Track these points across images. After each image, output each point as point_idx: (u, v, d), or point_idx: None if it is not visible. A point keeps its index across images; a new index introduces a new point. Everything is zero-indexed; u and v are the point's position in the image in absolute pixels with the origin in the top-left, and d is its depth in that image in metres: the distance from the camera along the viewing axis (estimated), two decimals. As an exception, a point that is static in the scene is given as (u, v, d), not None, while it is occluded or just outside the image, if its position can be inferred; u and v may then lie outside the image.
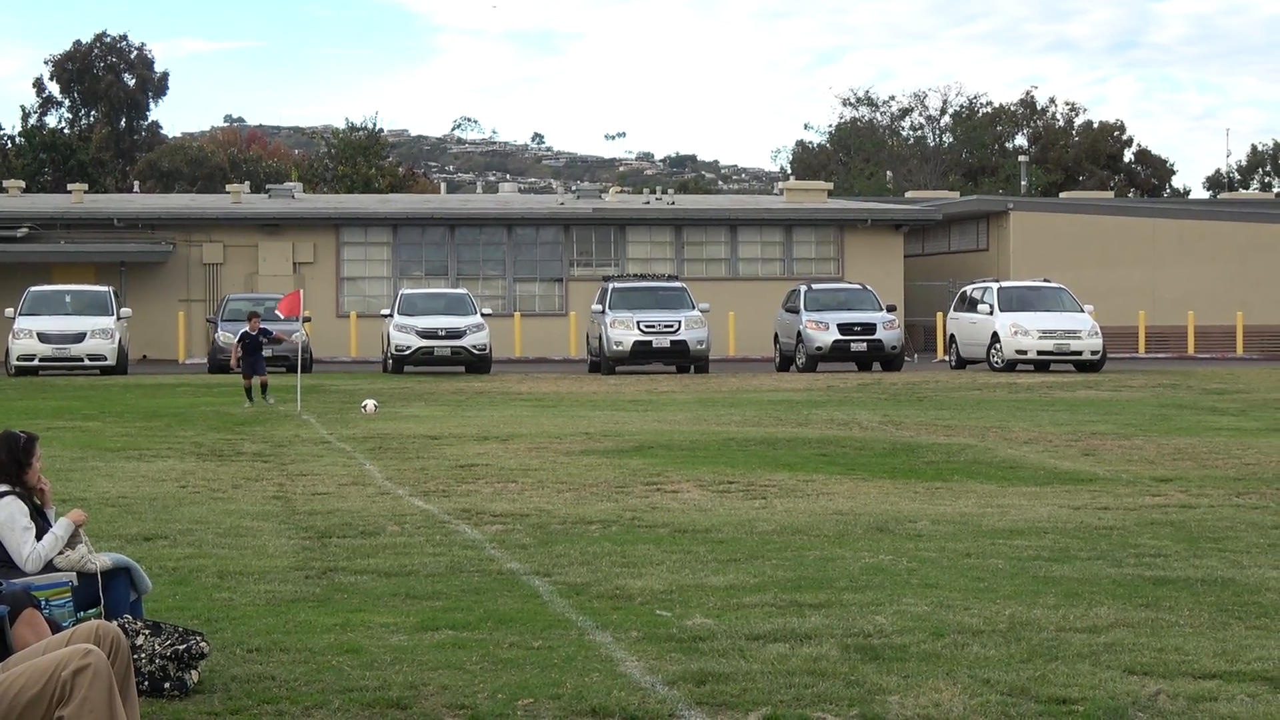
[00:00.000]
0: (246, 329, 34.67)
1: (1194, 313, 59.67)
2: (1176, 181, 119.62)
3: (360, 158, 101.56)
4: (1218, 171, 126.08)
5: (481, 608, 11.78)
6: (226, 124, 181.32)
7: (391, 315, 47.93)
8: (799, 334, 48.42)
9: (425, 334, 46.58)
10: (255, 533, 15.54)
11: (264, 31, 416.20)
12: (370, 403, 31.71)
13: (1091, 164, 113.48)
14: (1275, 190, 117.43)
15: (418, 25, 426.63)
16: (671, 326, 46.86)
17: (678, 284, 50.00)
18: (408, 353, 46.48)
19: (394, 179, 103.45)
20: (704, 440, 25.12)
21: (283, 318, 38.42)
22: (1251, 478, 20.23)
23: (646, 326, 46.77)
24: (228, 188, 71.77)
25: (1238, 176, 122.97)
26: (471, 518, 16.53)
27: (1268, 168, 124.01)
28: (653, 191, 79.83)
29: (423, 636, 10.83)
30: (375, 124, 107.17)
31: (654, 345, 46.75)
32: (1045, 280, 51.29)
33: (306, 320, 41.08)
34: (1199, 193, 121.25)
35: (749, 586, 12.62)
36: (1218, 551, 14.38)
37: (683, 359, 47.03)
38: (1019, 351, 46.69)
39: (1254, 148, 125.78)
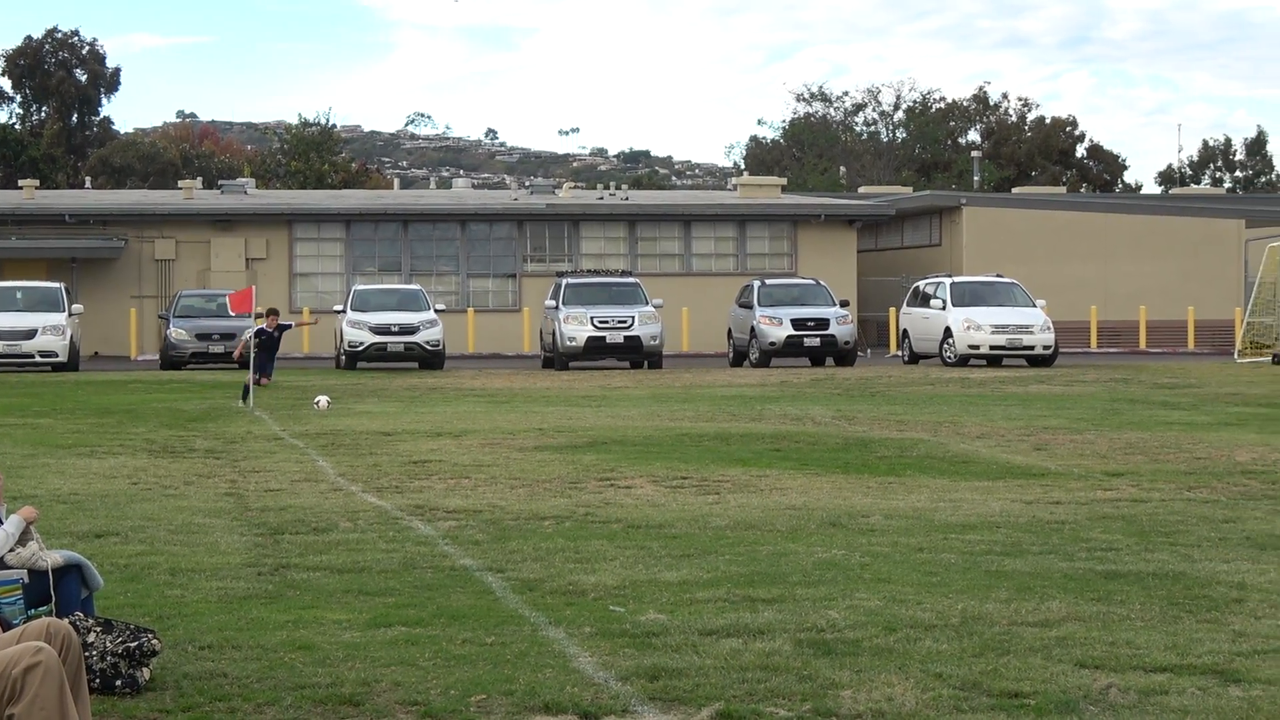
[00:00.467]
0: (263, 325, 34.43)
1: (1146, 307, 59.93)
2: (1129, 177, 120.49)
3: (313, 153, 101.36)
4: (1170, 167, 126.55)
5: (434, 604, 11.77)
6: (179, 119, 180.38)
7: (344, 311, 47.86)
8: (752, 329, 48.48)
9: (378, 330, 46.53)
10: (207, 529, 15.49)
11: (217, 26, 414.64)
12: (323, 399, 31.66)
13: (1044, 159, 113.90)
14: (1226, 185, 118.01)
15: (372, 20, 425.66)
16: (625, 322, 46.86)
17: (631, 279, 49.99)
18: (361, 349, 46.42)
19: (347, 175, 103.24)
20: (657, 436, 25.14)
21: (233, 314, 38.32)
22: (1202, 472, 20.32)
23: (600, 322, 46.77)
24: (180, 183, 71.57)
25: (1189, 172, 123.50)
26: (424, 514, 16.51)
27: (1219, 163, 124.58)
28: (606, 187, 79.71)
29: (375, 633, 10.82)
30: (328, 120, 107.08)
31: (608, 341, 46.75)
32: (998, 275, 51.51)
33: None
34: (1151, 188, 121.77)
35: (702, 582, 12.63)
36: (1169, 545, 14.45)
37: (636, 355, 47.03)
38: (971, 346, 46.87)
39: (1205, 143, 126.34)
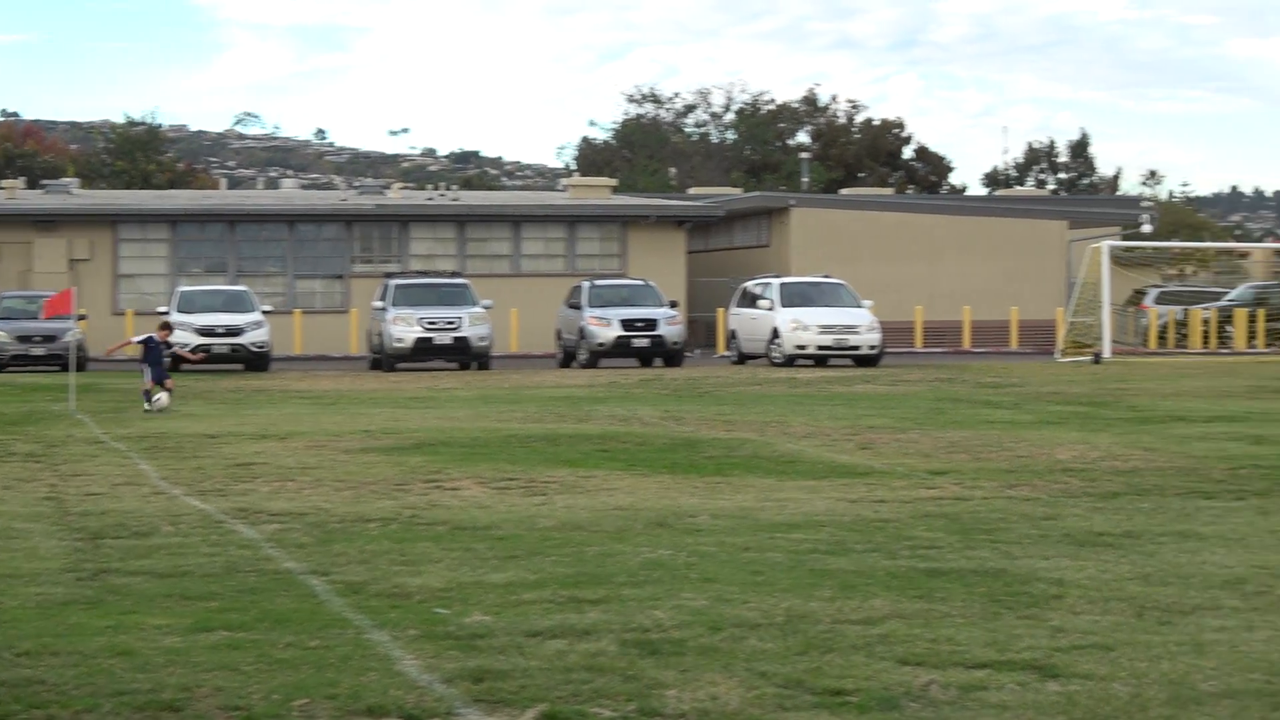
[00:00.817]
0: (153, 334, 33.91)
1: (970, 308, 60.63)
2: (955, 178, 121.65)
3: (139, 153, 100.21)
4: (995, 169, 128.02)
5: (257, 608, 11.66)
6: (1, 118, 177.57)
7: (169, 313, 47.33)
8: (581, 330, 48.55)
9: (203, 332, 46.13)
10: (25, 534, 15.26)
11: (41, 24, 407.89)
12: (163, 395, 31.26)
13: (872, 161, 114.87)
14: (1050, 187, 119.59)
15: (200, 19, 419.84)
16: (454, 323, 46.78)
17: (460, 280, 49.93)
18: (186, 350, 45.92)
19: (173, 175, 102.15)
20: (485, 437, 25.08)
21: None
22: (1023, 470, 20.59)
23: (429, 323, 46.65)
24: (1, 183, 70.39)
25: (1014, 173, 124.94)
26: (248, 517, 16.35)
27: (1043, 165, 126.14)
28: (436, 187, 79.49)
29: (197, 638, 10.69)
30: (155, 119, 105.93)
31: (435, 342, 46.65)
32: (825, 276, 51.90)
33: (81, 318, 40.43)
34: (977, 189, 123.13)
35: (528, 583, 12.61)
36: (990, 543, 14.62)
37: (465, 356, 46.99)
38: (799, 346, 47.20)
39: (1030, 145, 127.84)
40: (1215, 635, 10.78)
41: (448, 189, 77.73)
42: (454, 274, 51.96)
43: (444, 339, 46.68)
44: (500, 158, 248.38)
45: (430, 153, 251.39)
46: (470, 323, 46.90)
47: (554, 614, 11.39)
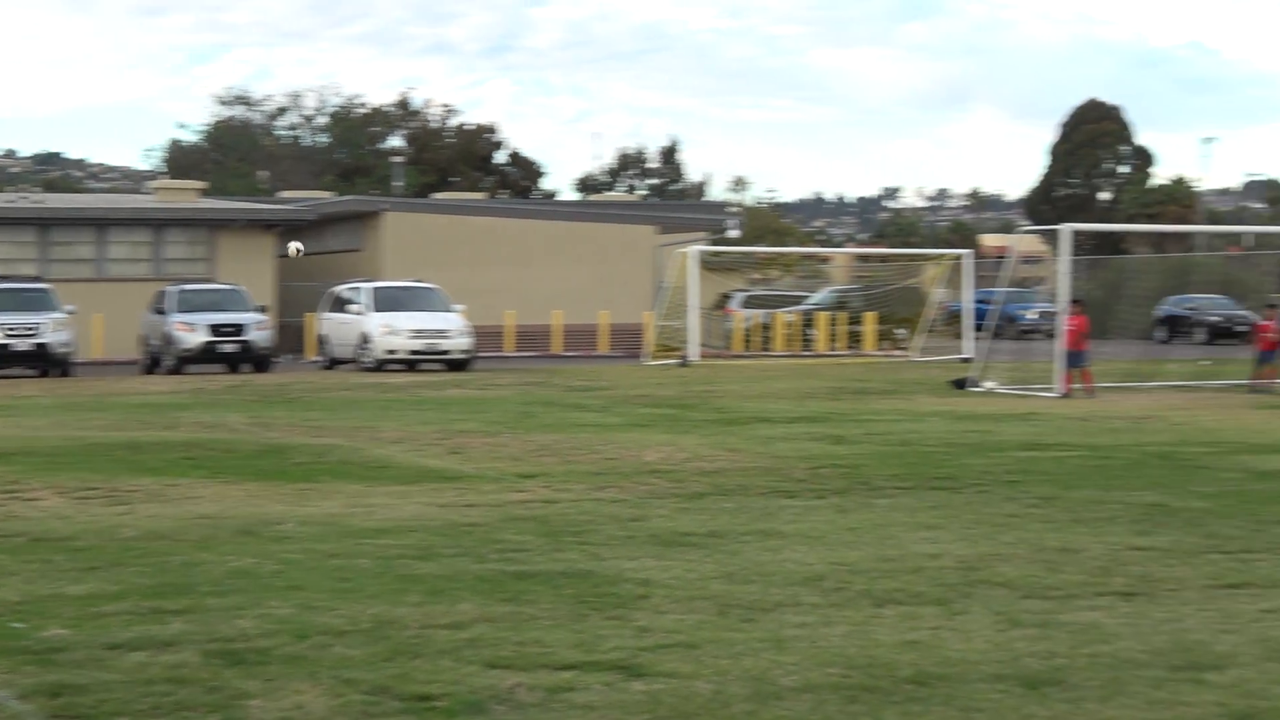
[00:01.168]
0: None
1: (561, 312, 61.13)
2: (547, 183, 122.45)
3: None
4: (587, 174, 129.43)
5: None
6: None
7: None
8: (167, 335, 47.77)
9: None
10: None
11: None
12: (295, 245, 30.11)
13: (465, 165, 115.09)
14: (641, 192, 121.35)
15: None
16: (33, 329, 45.63)
17: (41, 285, 48.71)
18: None
19: None
20: (66, 446, 24.44)
21: None
22: (611, 472, 20.82)
23: (7, 330, 45.43)
24: None
25: (606, 179, 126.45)
26: None
27: (634, 171, 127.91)
28: (16, 189, 77.33)
29: None
30: None
31: (14, 349, 45.48)
32: (417, 280, 51.90)
33: None
34: (569, 195, 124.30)
35: (109, 595, 12.32)
36: (578, 545, 14.74)
37: (45, 362, 45.88)
38: (389, 351, 47.19)
39: (621, 152, 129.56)
40: (795, 631, 11.03)
41: (29, 191, 75.64)
42: (35, 279, 50.64)
43: (23, 345, 45.51)
44: (85, 159, 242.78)
45: (11, 154, 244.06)
46: (51, 329, 45.81)
47: (135, 626, 11.15)
